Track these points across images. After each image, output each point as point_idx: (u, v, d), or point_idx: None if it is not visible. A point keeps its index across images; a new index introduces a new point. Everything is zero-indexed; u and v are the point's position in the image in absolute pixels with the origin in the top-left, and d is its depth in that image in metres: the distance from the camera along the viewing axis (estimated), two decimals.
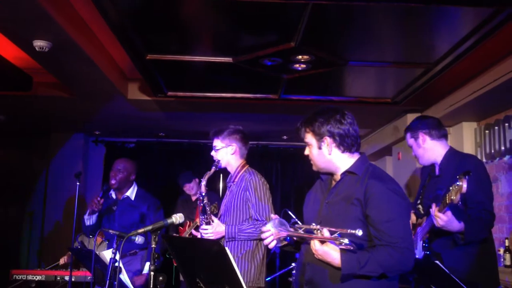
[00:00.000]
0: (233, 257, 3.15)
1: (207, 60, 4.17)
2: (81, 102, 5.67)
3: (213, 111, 6.14)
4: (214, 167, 3.52)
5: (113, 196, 4.44)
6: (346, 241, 2.08)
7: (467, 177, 2.70)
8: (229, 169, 3.62)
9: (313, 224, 2.25)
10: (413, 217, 3.43)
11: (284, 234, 2.39)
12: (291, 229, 2.42)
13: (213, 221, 3.43)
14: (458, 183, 2.71)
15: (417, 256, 3.14)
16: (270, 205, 3.47)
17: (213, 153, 3.61)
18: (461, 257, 3.06)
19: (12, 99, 5.48)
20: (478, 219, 3.00)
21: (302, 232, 2.36)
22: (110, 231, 3.50)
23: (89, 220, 4.29)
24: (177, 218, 2.60)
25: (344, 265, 2.15)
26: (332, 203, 2.37)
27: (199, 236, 3.49)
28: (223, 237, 3.41)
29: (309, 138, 2.43)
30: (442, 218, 2.86)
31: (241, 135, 3.62)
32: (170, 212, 3.94)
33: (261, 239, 2.59)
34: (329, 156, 2.39)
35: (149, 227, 2.46)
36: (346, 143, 2.37)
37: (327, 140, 2.37)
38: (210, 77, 4.75)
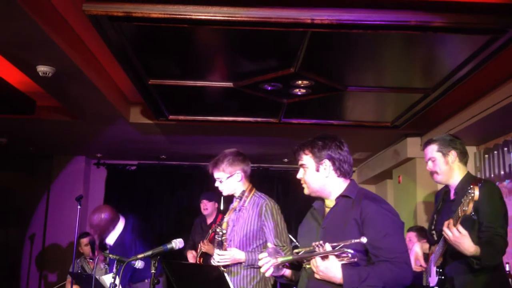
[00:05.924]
0: (247, 285, 3.16)
1: (208, 85, 4.22)
2: (84, 126, 5.72)
3: (214, 135, 6.17)
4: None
5: None
6: (350, 251, 2.12)
7: (479, 184, 2.59)
8: (234, 194, 3.39)
9: (313, 243, 2.28)
10: (425, 246, 3.28)
11: (285, 259, 2.40)
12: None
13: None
14: (470, 191, 2.58)
15: (430, 284, 3.06)
16: (286, 229, 3.33)
17: (218, 184, 3.39)
18: (474, 284, 2.91)
19: (15, 122, 5.53)
20: (490, 243, 2.85)
21: (302, 254, 2.38)
22: (110, 255, 3.49)
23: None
24: (177, 243, 2.61)
25: (346, 279, 2.18)
26: (329, 227, 2.40)
27: (213, 261, 3.23)
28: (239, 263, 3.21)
29: (307, 159, 2.46)
30: (454, 233, 2.70)
31: (241, 157, 3.42)
32: (170, 236, 3.92)
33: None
34: (326, 179, 2.43)
35: (149, 253, 2.47)
36: (343, 168, 2.43)
37: (327, 163, 2.42)
38: (211, 101, 4.80)
